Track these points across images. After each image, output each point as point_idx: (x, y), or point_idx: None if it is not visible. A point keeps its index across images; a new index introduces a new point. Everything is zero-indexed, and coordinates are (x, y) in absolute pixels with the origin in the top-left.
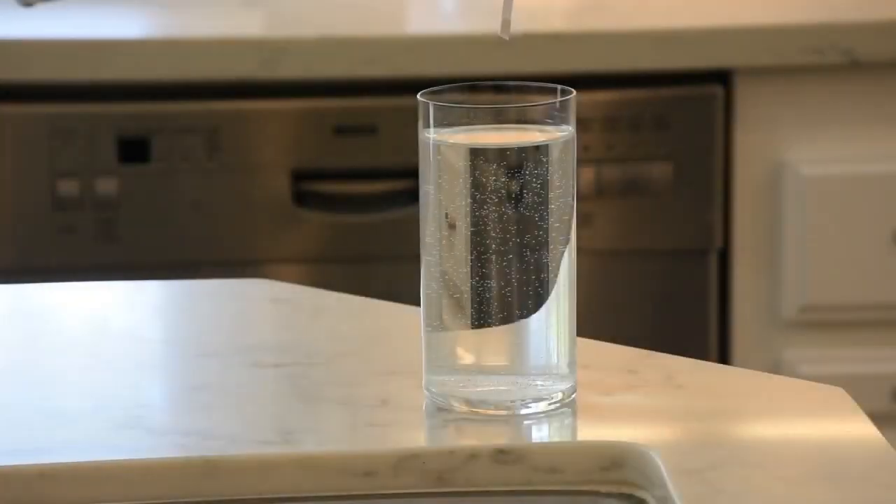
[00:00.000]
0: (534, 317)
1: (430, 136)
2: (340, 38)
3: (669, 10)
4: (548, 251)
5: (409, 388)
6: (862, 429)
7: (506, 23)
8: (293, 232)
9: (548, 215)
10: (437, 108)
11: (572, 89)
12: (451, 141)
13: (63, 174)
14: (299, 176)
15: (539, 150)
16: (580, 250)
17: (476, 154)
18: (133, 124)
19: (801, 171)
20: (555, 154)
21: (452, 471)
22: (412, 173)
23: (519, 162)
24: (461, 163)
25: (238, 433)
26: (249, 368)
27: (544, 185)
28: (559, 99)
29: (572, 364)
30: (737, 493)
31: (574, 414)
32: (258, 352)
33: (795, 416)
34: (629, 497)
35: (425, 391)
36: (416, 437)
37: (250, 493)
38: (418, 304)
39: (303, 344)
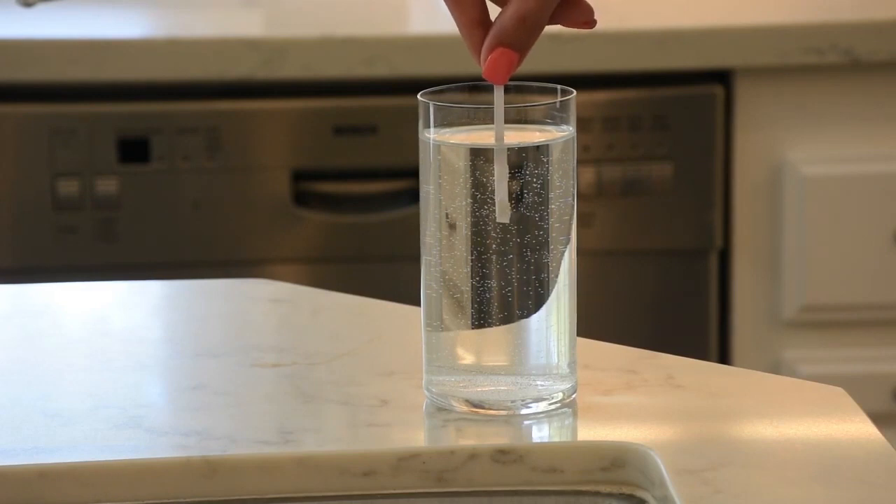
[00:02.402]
0: (534, 317)
1: (431, 136)
2: (340, 38)
3: (669, 10)
4: (548, 251)
5: (409, 388)
6: (862, 429)
7: (502, 205)
8: (293, 232)
9: (548, 215)
10: (437, 108)
11: (572, 89)
12: (452, 141)
13: (63, 174)
14: (299, 176)
15: (539, 150)
16: (580, 250)
17: (476, 154)
18: (133, 124)
19: (801, 171)
20: (555, 154)
21: (452, 471)
22: (412, 173)
23: (519, 162)
24: (461, 163)
25: (238, 433)
26: (249, 368)
27: (544, 185)
28: (559, 99)
29: (572, 364)
30: (736, 493)
31: (574, 414)
32: (257, 352)
33: (795, 416)
34: (629, 497)
35: (425, 391)
36: (415, 437)
37: (250, 493)
38: (418, 304)
39: (302, 344)
